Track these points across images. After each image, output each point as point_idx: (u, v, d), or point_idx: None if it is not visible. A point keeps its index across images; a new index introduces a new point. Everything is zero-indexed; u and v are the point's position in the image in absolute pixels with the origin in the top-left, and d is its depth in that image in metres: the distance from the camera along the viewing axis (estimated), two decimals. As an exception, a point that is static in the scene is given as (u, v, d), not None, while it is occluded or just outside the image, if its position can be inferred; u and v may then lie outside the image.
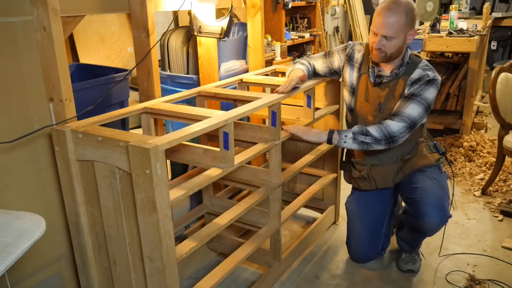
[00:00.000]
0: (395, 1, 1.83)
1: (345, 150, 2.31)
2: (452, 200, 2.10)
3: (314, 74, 2.21)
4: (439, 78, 1.92)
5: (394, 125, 1.84)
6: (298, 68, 2.10)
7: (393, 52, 1.89)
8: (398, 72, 1.96)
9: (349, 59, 2.11)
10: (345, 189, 2.82)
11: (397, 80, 1.95)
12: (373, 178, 2.13)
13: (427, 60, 5.22)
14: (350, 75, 2.11)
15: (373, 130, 1.84)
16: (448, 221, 2.01)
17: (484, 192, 2.93)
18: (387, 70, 1.98)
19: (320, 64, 2.18)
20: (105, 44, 3.33)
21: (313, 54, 5.30)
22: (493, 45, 6.37)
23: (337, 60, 2.14)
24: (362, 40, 6.29)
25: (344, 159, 2.32)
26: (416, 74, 1.92)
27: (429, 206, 1.92)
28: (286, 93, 1.90)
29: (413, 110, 1.85)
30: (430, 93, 1.88)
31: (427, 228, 1.96)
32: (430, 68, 1.94)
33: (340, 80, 2.21)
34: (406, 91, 1.92)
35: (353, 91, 2.10)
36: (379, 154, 2.07)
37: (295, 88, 1.96)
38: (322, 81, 2.21)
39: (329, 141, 1.88)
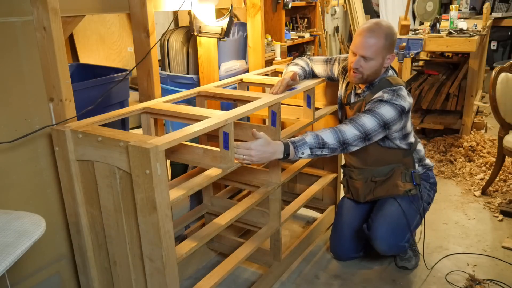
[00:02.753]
0: (376, 23, 1.86)
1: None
2: (422, 233, 2.19)
3: (313, 75, 2.23)
4: (398, 102, 1.83)
5: (349, 132, 1.76)
6: (291, 70, 2.12)
7: (370, 74, 1.89)
8: (366, 91, 1.97)
9: (344, 72, 2.12)
10: (345, 189, 2.82)
11: (362, 102, 1.97)
12: (350, 189, 2.22)
13: (427, 60, 5.21)
14: (340, 89, 2.15)
15: (329, 138, 1.73)
16: (404, 249, 2.11)
17: (484, 192, 2.93)
18: (361, 87, 2.00)
19: (319, 69, 2.21)
20: (105, 44, 3.33)
21: (313, 54, 5.30)
22: (493, 45, 6.37)
23: (337, 69, 2.16)
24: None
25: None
26: (375, 96, 1.89)
27: (380, 232, 2.00)
28: (280, 93, 1.89)
29: (366, 121, 1.79)
30: (385, 110, 1.80)
31: (378, 250, 2.05)
32: (392, 92, 1.85)
33: None
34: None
35: (341, 106, 2.15)
36: (355, 170, 2.13)
37: (292, 88, 1.97)
38: (322, 81, 2.21)
39: (285, 158, 1.68)
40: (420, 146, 2.11)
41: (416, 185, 2.04)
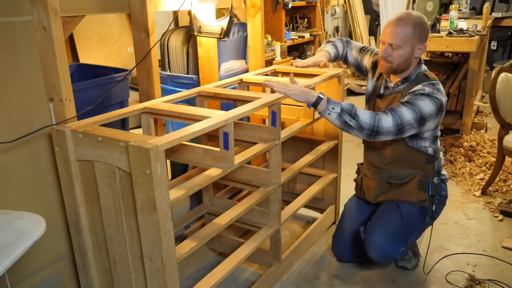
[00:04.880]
0: (407, 12, 1.88)
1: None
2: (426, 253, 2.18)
3: (345, 59, 2.28)
4: (438, 96, 1.82)
5: (386, 121, 1.76)
6: (326, 50, 2.20)
7: (399, 63, 1.88)
8: (401, 85, 1.95)
9: (374, 66, 2.14)
10: (345, 189, 2.82)
11: (397, 94, 1.95)
12: (363, 188, 2.19)
13: (427, 60, 5.22)
14: (369, 83, 2.15)
15: (364, 116, 1.75)
16: (397, 258, 2.08)
17: (484, 192, 2.93)
18: (394, 81, 1.99)
19: (353, 55, 2.25)
20: (105, 44, 3.32)
21: (313, 54, 5.30)
22: (493, 45, 6.36)
23: (367, 61, 2.18)
24: (362, 41, 6.29)
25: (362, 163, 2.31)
26: (415, 88, 1.87)
27: (375, 241, 1.97)
28: (300, 67, 2.11)
29: (405, 112, 1.78)
30: (425, 104, 1.79)
31: (369, 256, 2.03)
32: (433, 86, 1.84)
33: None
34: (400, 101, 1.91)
35: (368, 100, 2.15)
36: (373, 168, 2.10)
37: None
38: (322, 81, 2.20)
39: (315, 105, 1.74)
40: (441, 155, 2.08)
41: (431, 196, 2.00)
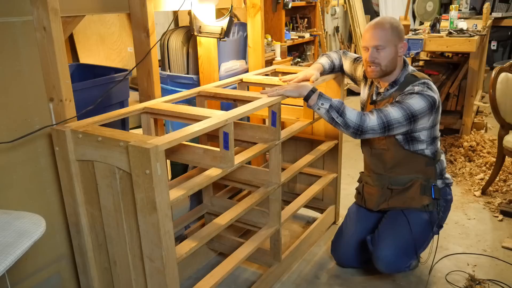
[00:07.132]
0: (380, 18, 1.95)
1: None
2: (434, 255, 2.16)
3: (341, 69, 2.28)
4: (429, 93, 1.83)
5: (371, 121, 1.80)
6: (320, 63, 2.20)
7: (387, 63, 1.90)
8: (390, 89, 1.97)
9: (365, 76, 2.14)
10: (345, 189, 2.82)
11: (389, 98, 1.96)
12: (364, 196, 2.18)
13: (427, 60, 5.20)
14: (363, 92, 2.16)
15: (351, 115, 1.80)
16: (405, 270, 2.08)
17: (484, 192, 2.93)
18: (383, 86, 2.01)
19: (347, 65, 2.25)
20: (105, 44, 3.32)
21: (313, 54, 5.30)
22: (493, 45, 6.37)
23: (359, 71, 2.19)
24: (362, 40, 6.27)
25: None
26: (405, 89, 1.89)
27: (384, 254, 1.95)
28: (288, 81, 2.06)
29: (392, 111, 1.80)
30: (415, 101, 1.81)
31: (376, 268, 2.00)
32: (422, 86, 1.86)
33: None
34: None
35: (363, 108, 2.16)
36: (373, 175, 2.09)
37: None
38: (322, 81, 2.21)
39: (307, 98, 1.82)
40: (443, 157, 2.06)
41: (435, 200, 1.98)
